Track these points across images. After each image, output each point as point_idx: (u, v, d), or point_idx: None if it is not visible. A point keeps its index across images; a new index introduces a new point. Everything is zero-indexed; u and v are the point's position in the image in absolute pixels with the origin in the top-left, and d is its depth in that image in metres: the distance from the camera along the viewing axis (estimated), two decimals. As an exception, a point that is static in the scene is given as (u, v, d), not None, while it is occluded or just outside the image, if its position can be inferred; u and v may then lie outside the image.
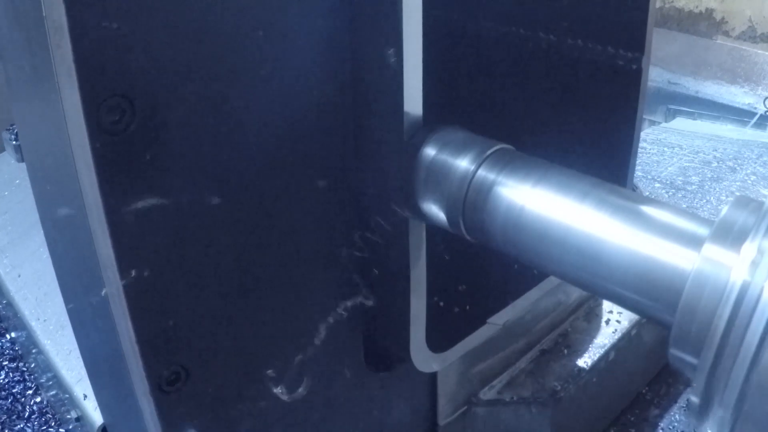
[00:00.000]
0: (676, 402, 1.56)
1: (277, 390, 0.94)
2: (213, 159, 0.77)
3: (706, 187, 2.36)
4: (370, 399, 1.14)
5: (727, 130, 3.40)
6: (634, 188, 1.54)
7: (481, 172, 0.81)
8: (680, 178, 2.43)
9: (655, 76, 4.09)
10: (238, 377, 0.89)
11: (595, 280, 0.73)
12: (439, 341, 1.04)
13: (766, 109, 3.60)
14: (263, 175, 0.83)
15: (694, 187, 2.35)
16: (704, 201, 2.27)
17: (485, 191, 0.80)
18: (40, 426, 1.61)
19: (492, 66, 1.33)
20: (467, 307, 1.18)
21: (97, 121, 0.65)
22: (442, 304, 1.15)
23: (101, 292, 0.74)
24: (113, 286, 0.72)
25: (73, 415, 1.31)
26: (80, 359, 1.11)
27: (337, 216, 0.93)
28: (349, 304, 1.00)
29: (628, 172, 1.23)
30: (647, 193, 2.30)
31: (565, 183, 0.76)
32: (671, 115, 3.88)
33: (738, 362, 0.59)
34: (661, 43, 4.07)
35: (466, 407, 1.31)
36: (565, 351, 1.42)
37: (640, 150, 2.74)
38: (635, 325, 1.46)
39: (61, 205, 0.79)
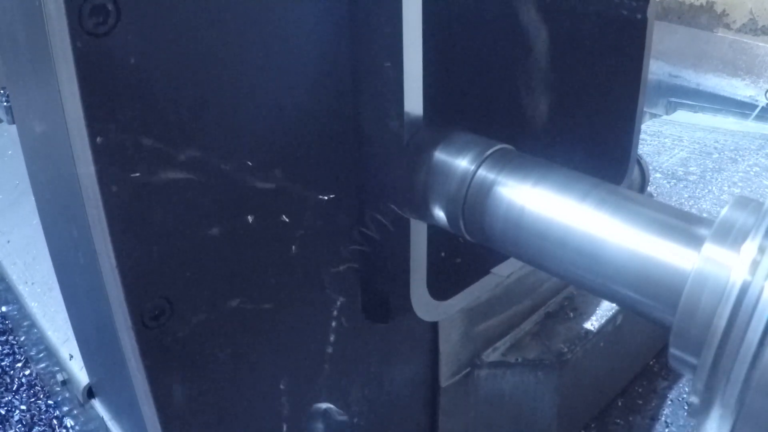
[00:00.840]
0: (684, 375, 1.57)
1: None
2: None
3: (708, 177, 2.36)
4: (368, 353, 1.09)
5: (728, 122, 3.39)
6: (640, 159, 1.51)
7: (481, 172, 0.81)
8: (681, 169, 2.43)
9: (656, 69, 4.07)
10: (225, 314, 0.84)
11: (595, 279, 0.73)
12: (441, 288, 1.01)
13: (767, 102, 3.58)
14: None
15: (695, 177, 2.35)
16: (706, 191, 2.27)
17: (485, 191, 0.80)
18: (29, 398, 1.62)
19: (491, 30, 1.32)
20: (470, 256, 1.13)
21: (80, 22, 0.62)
22: (444, 253, 1.11)
23: (82, 218, 0.71)
24: (93, 205, 0.68)
25: (59, 378, 1.28)
26: (67, 321, 1.10)
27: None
28: (347, 248, 0.96)
29: (633, 136, 1.21)
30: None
31: (565, 183, 0.76)
32: (672, 108, 3.87)
33: (738, 362, 0.59)
34: (661, 35, 4.06)
35: (468, 369, 1.27)
36: (571, 314, 1.39)
37: (640, 142, 2.75)
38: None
39: (40, 121, 0.77)
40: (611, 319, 1.36)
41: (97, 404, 1.18)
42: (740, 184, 2.33)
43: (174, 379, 0.81)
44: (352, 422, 1.09)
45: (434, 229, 0.93)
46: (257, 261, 0.86)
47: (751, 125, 3.34)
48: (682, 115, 3.57)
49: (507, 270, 1.11)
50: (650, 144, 2.68)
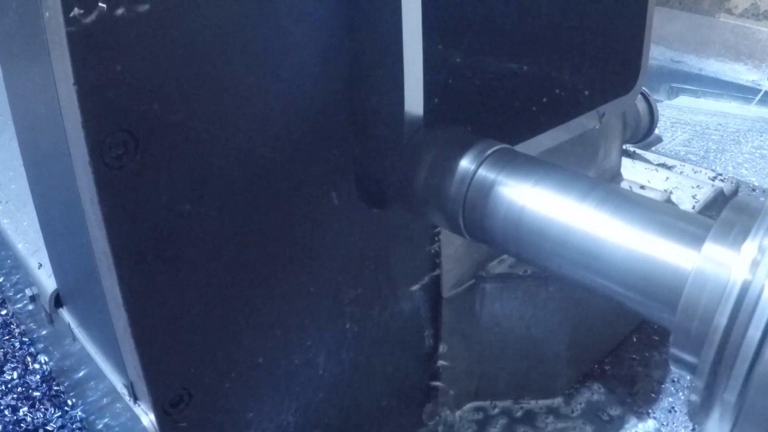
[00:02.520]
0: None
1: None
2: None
3: (711, 157, 2.36)
4: (362, 242, 0.99)
5: (731, 107, 3.38)
6: (648, 96, 1.49)
7: (481, 172, 0.81)
8: (683, 149, 2.42)
9: (658, 55, 4.05)
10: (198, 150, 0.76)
11: (596, 279, 0.73)
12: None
13: (770, 86, 3.57)
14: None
15: (697, 158, 2.35)
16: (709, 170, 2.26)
17: (485, 191, 0.80)
18: (3, 336, 1.60)
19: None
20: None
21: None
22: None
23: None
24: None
25: (28, 294, 1.23)
26: (39, 234, 1.08)
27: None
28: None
29: (643, 41, 1.18)
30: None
31: (565, 183, 0.76)
32: (674, 93, 3.85)
33: (739, 361, 0.60)
34: (663, 21, 4.04)
35: (473, 281, 1.17)
36: None
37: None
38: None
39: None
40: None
41: (64, 313, 1.13)
42: (746, 165, 2.33)
43: (147, 282, 0.76)
44: (344, 327, 1.01)
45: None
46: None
47: (753, 109, 3.33)
48: (684, 100, 3.56)
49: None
50: (652, 128, 2.67)
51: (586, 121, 1.16)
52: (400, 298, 1.08)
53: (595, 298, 1.14)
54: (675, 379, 1.35)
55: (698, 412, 0.64)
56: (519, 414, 1.27)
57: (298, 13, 0.79)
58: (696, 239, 0.66)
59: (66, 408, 1.41)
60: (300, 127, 0.85)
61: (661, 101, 3.68)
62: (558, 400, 1.30)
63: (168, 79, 0.70)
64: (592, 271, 0.73)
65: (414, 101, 0.81)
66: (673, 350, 0.66)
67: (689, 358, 0.65)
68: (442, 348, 1.17)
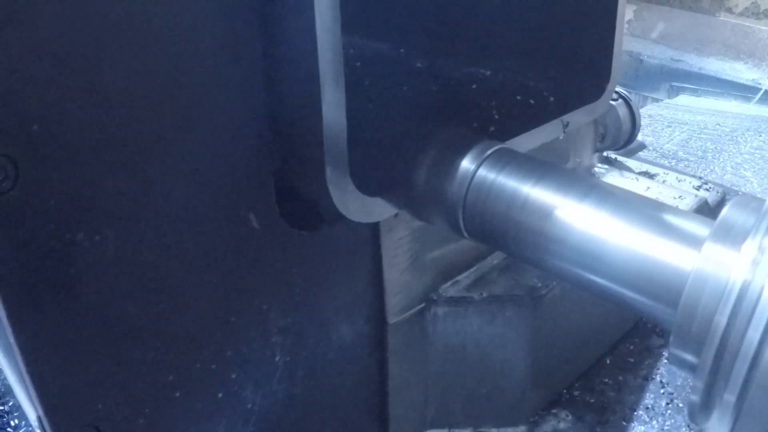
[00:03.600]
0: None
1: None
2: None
3: (709, 157, 2.35)
4: (291, 267, 0.89)
5: (731, 105, 3.38)
6: (629, 101, 1.41)
7: (481, 172, 0.81)
8: (682, 150, 2.42)
9: (658, 54, 4.06)
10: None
11: (596, 279, 0.73)
12: (369, 178, 0.82)
13: (770, 85, 3.57)
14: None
15: (696, 158, 2.34)
16: (708, 170, 2.26)
17: (485, 191, 0.80)
18: None
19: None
20: (411, 140, 0.93)
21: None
22: (375, 132, 0.94)
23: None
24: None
25: None
26: None
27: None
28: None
29: (612, 44, 1.09)
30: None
31: (565, 183, 0.76)
32: (674, 92, 3.86)
33: (739, 361, 0.60)
34: (663, 20, 4.05)
35: (423, 304, 1.06)
36: None
37: (641, 125, 2.74)
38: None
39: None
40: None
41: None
42: (745, 165, 2.32)
43: (38, 314, 0.70)
44: (273, 358, 0.92)
45: (363, 99, 0.85)
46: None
47: (753, 108, 3.33)
48: (684, 99, 3.55)
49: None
50: (650, 126, 2.66)
51: (550, 130, 1.07)
52: (338, 325, 0.99)
53: (561, 320, 1.13)
54: (649, 406, 1.27)
55: (698, 413, 0.64)
56: (478, 443, 1.19)
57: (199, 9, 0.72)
58: (696, 239, 0.66)
59: (9, 429, 1.36)
60: (206, 144, 0.76)
61: (662, 100, 3.68)
62: (521, 429, 1.19)
63: (47, 97, 0.64)
64: (592, 271, 0.73)
65: (336, 120, 0.73)
66: (673, 350, 0.66)
67: (689, 358, 0.65)
68: (391, 376, 1.07)
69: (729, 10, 3.87)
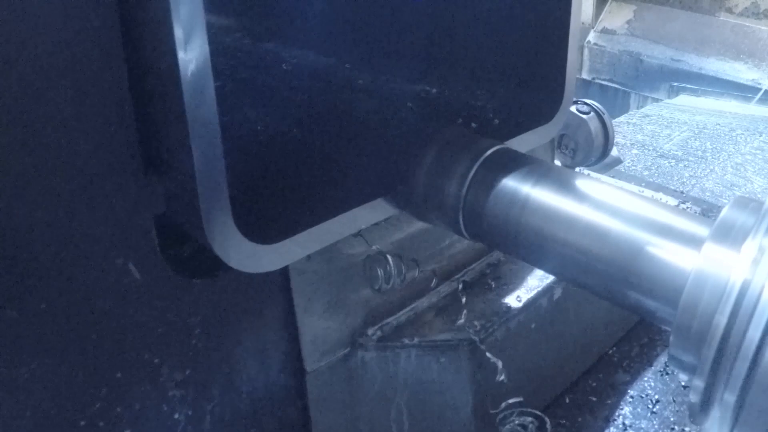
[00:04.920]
0: (651, 366, 1.30)
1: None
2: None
3: (709, 157, 2.34)
4: (184, 316, 0.81)
5: (731, 105, 3.38)
6: (602, 113, 1.34)
7: (481, 172, 0.81)
8: (681, 151, 2.41)
9: (658, 54, 4.06)
10: None
11: (596, 279, 0.73)
12: (261, 226, 0.73)
13: (770, 85, 3.57)
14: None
15: (695, 158, 2.33)
16: (708, 170, 2.25)
17: (485, 191, 0.80)
18: None
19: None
20: (310, 181, 0.82)
21: None
22: (265, 174, 0.82)
23: None
24: None
25: None
26: None
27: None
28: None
29: (565, 60, 0.97)
30: (649, 164, 2.27)
31: (565, 183, 0.76)
32: (674, 92, 3.86)
33: (739, 361, 0.59)
34: (663, 20, 4.05)
35: (348, 349, 0.98)
36: (493, 284, 1.08)
37: (640, 126, 2.75)
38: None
39: None
40: (545, 292, 1.05)
41: None
42: (746, 165, 2.32)
43: None
44: (172, 414, 0.85)
45: (248, 137, 0.74)
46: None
47: (754, 108, 3.33)
48: (684, 99, 3.55)
49: (364, 221, 0.82)
50: (650, 127, 2.66)
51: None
52: (249, 375, 0.91)
53: (508, 362, 1.02)
54: (607, 452, 1.17)
55: (698, 413, 0.64)
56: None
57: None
58: (696, 239, 0.66)
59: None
60: (69, 186, 0.66)
61: (662, 100, 3.68)
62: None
63: None
64: (593, 271, 0.73)
65: (209, 149, 0.63)
66: (673, 350, 0.66)
67: (689, 358, 0.65)
68: (315, 425, 1.00)
69: (729, 10, 3.88)
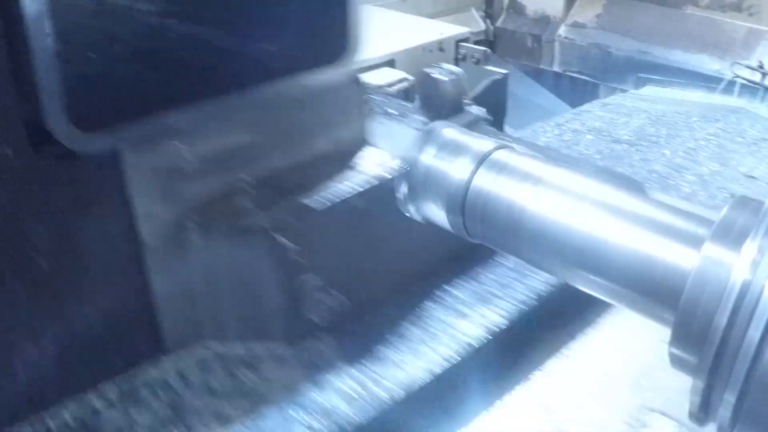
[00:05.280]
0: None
1: None
2: None
3: (662, 142, 2.34)
4: (48, 197, 0.91)
5: (695, 95, 3.43)
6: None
7: (482, 172, 0.80)
8: (636, 136, 2.42)
9: (626, 46, 4.11)
10: None
11: (596, 279, 0.73)
12: (85, 115, 0.84)
13: (733, 75, 3.63)
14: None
15: (648, 143, 2.34)
16: (659, 154, 2.24)
17: (485, 191, 0.79)
18: None
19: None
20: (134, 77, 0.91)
21: None
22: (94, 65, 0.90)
23: None
24: None
25: None
26: None
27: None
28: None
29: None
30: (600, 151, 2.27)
31: (566, 183, 0.76)
32: (641, 83, 3.90)
33: (739, 360, 0.60)
34: (631, 14, 4.10)
35: (179, 229, 1.09)
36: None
37: (599, 115, 2.75)
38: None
39: None
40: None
41: None
42: (698, 150, 2.32)
43: None
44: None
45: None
46: None
47: (716, 98, 3.38)
48: (650, 90, 3.59)
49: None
50: (609, 115, 2.65)
51: (283, 89, 1.07)
52: (97, 247, 1.02)
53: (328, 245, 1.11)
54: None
55: (698, 412, 0.64)
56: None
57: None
58: (696, 239, 0.66)
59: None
60: None
61: (628, 90, 3.72)
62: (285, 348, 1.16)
63: None
64: (593, 271, 0.73)
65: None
66: (673, 350, 0.66)
67: (689, 358, 0.65)
68: (156, 293, 1.10)
69: (695, 3, 3.94)
